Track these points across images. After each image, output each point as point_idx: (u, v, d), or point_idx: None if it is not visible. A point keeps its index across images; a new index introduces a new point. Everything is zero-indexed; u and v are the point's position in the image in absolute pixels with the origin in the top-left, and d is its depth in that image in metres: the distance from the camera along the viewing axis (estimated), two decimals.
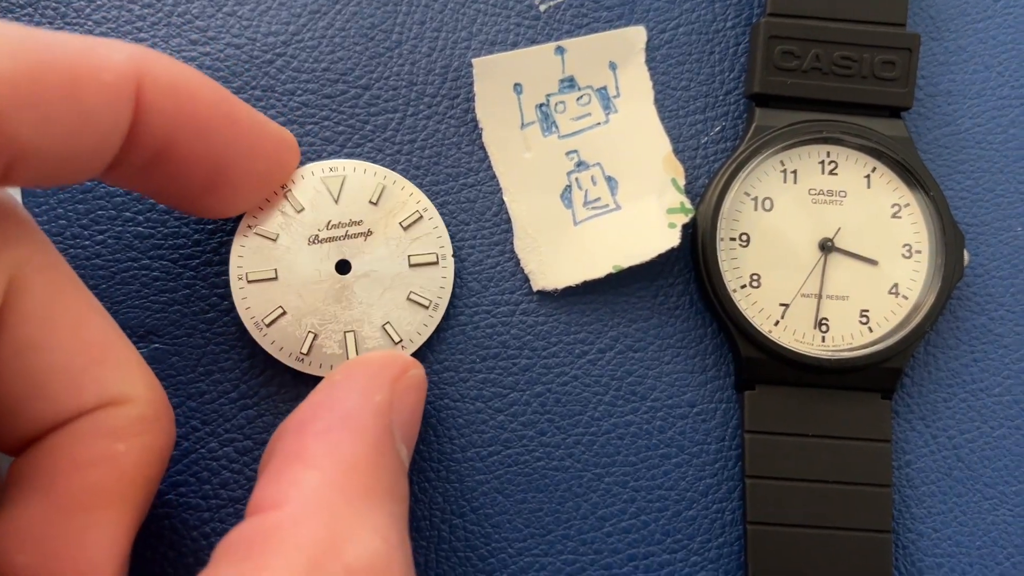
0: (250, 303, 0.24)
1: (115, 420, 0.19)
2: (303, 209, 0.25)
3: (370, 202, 0.25)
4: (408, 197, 0.25)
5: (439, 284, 0.25)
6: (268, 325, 0.24)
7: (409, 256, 0.25)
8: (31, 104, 0.17)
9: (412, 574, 0.18)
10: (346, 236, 0.25)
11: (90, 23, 0.26)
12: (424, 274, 0.25)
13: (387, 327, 0.25)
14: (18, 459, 0.20)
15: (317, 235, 0.25)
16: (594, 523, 0.25)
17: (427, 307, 0.25)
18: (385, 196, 0.25)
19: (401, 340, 0.25)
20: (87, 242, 0.25)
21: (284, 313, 0.24)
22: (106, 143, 0.19)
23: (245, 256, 0.24)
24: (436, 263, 0.25)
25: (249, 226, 0.24)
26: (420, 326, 0.25)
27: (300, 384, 0.25)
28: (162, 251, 0.25)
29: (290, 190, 0.25)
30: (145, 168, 0.21)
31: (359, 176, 0.25)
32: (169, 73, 0.20)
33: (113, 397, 0.20)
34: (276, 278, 0.24)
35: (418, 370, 0.22)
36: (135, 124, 0.19)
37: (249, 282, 0.24)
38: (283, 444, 0.20)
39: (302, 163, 0.25)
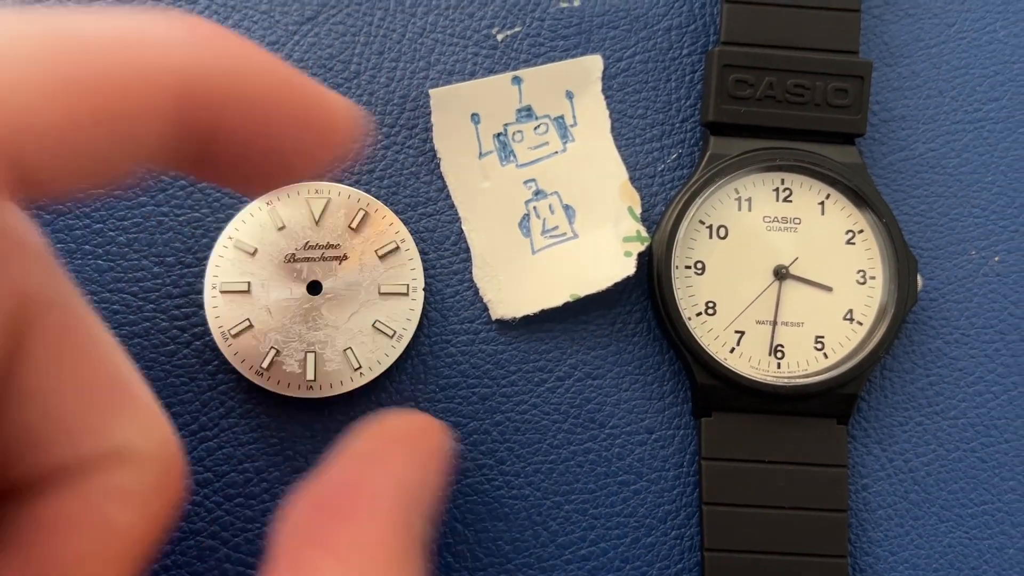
0: (220, 312, 0.25)
1: (118, 480, 0.17)
2: (283, 227, 0.25)
3: (350, 227, 0.25)
4: (388, 227, 0.25)
5: (406, 315, 0.25)
6: (234, 336, 0.25)
7: (380, 285, 0.25)
8: (70, 152, 0.14)
9: None
10: (321, 258, 0.25)
11: None
12: (393, 304, 0.25)
13: (348, 352, 0.25)
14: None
15: (294, 254, 0.25)
16: (554, 551, 0.25)
17: (391, 336, 0.25)
18: (365, 223, 0.25)
19: (360, 367, 0.25)
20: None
21: (251, 326, 0.25)
22: (141, 153, 0.16)
23: (222, 266, 0.25)
24: (406, 294, 0.25)
25: (230, 237, 0.25)
26: (382, 355, 0.25)
27: (260, 415, 0.25)
28: (122, 284, 0.26)
29: (274, 207, 0.25)
30: (192, 163, 0.18)
31: (343, 200, 0.25)
32: (222, 85, 0.16)
33: (119, 452, 0.17)
34: (248, 291, 0.25)
35: (451, 441, 0.21)
36: (180, 133, 0.16)
37: (222, 292, 0.25)
38: (301, 523, 0.18)
39: None
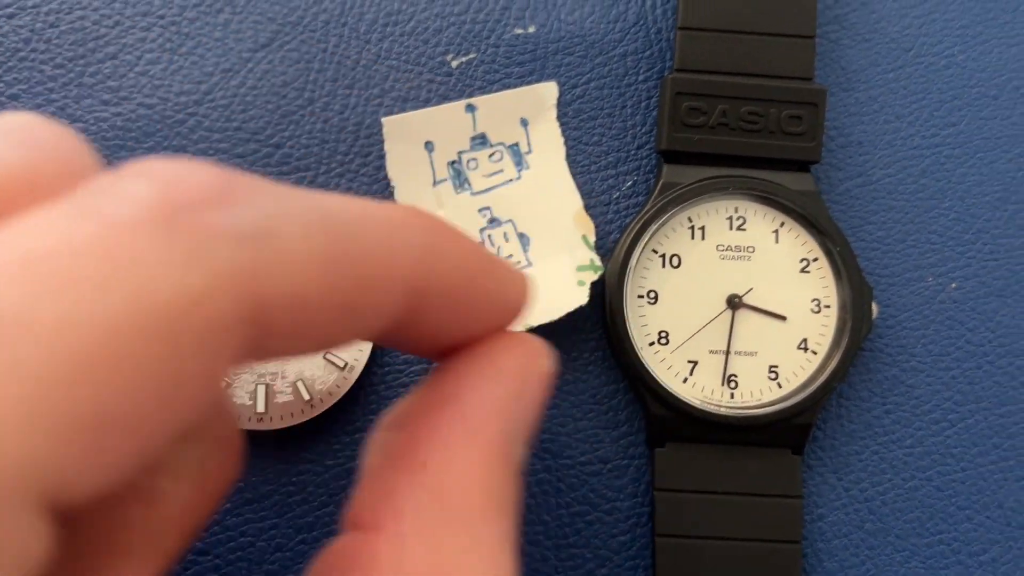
0: None
1: (171, 454, 0.16)
2: None
3: None
4: None
5: (358, 346, 0.25)
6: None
7: None
8: (301, 322, 0.14)
9: None
10: None
11: (2, 84, 0.26)
12: None
13: (299, 384, 0.25)
14: None
15: None
16: None
17: (342, 368, 0.25)
18: None
19: (311, 398, 0.25)
20: None
21: None
22: (357, 337, 0.16)
23: None
24: None
25: None
26: (333, 387, 0.25)
27: None
28: None
29: None
30: (393, 341, 0.18)
31: None
32: (450, 269, 0.16)
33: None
34: None
35: (550, 360, 0.19)
36: (397, 321, 0.16)
37: None
38: (392, 443, 0.17)
39: None
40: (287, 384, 0.25)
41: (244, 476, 0.25)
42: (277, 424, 0.24)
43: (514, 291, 0.19)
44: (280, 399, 0.25)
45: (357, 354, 0.25)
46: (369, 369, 0.25)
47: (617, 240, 0.26)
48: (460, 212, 0.26)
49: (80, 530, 0.16)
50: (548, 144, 0.26)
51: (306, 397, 0.25)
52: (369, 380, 0.26)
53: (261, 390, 0.24)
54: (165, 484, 0.16)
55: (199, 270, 0.12)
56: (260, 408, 0.24)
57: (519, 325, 0.25)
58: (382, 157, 0.26)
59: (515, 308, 0.19)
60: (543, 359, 0.19)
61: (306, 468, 0.25)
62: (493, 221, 0.26)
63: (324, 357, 0.25)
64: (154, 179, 0.13)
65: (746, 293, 0.25)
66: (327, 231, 0.14)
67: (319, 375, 0.25)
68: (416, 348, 0.18)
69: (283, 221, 0.13)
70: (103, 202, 0.12)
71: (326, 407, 0.25)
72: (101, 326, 0.11)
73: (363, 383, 0.25)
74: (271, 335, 0.13)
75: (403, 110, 0.27)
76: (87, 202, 0.12)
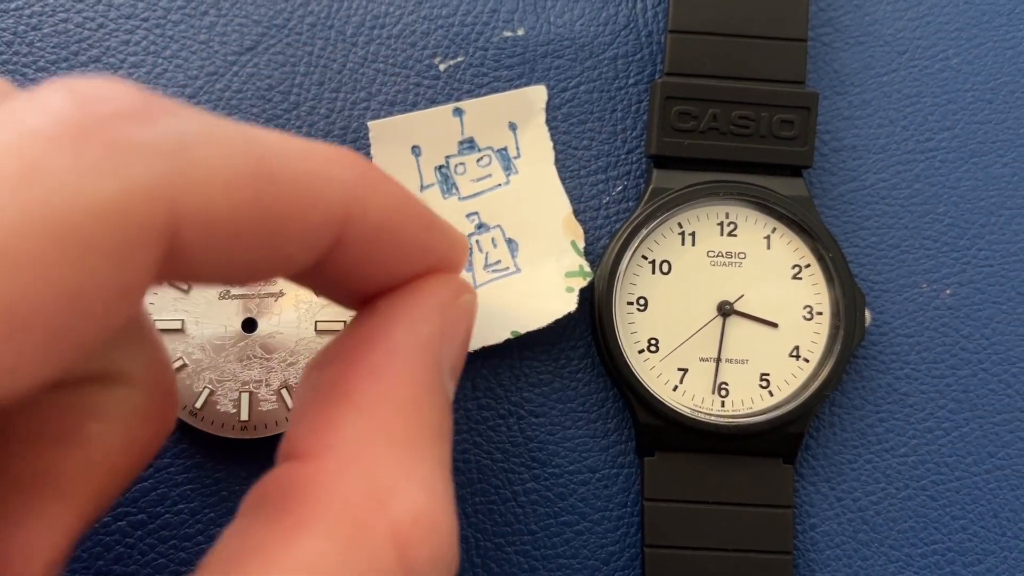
0: None
1: (98, 398, 0.16)
2: None
3: None
4: None
5: None
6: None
7: (316, 322, 0.24)
8: (223, 244, 0.14)
9: (455, 524, 0.16)
10: (258, 295, 0.24)
11: None
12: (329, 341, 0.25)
13: (284, 392, 0.24)
14: None
15: (228, 290, 0.24)
16: None
17: None
18: None
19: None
20: None
21: (184, 365, 0.24)
22: (285, 267, 0.16)
23: (155, 303, 0.24)
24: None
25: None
26: None
27: (195, 455, 0.25)
28: None
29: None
30: (321, 280, 0.18)
31: None
32: (382, 207, 0.17)
33: (104, 372, 0.16)
34: (182, 329, 0.24)
35: (470, 296, 0.20)
36: (327, 256, 0.17)
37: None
38: (320, 380, 0.17)
39: None
40: (271, 392, 0.24)
41: (228, 486, 0.25)
42: (262, 432, 0.24)
43: (449, 248, 0.19)
44: (264, 407, 0.24)
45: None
46: None
47: (606, 246, 0.26)
48: (447, 217, 0.26)
49: (2, 471, 0.15)
50: (537, 148, 0.26)
51: (291, 405, 0.24)
52: None
53: (245, 398, 0.24)
54: (92, 427, 0.16)
55: (111, 180, 0.12)
56: (244, 417, 0.24)
57: (499, 335, 0.25)
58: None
59: (452, 263, 0.20)
60: (466, 296, 0.19)
61: None
62: (481, 226, 0.26)
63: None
64: (74, 93, 0.13)
65: (737, 300, 0.25)
66: (251, 153, 0.14)
67: None
68: (338, 291, 0.19)
69: (204, 139, 0.13)
70: (21, 113, 0.12)
71: None
72: (8, 227, 0.11)
73: None
74: (190, 253, 0.14)
75: (390, 114, 0.26)
76: (5, 113, 0.12)
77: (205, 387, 0.24)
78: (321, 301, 0.25)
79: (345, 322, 0.25)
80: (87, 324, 0.13)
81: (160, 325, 0.24)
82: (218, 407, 0.24)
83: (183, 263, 0.14)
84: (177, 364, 0.24)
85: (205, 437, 0.25)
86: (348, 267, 0.17)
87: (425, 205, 0.19)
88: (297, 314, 0.24)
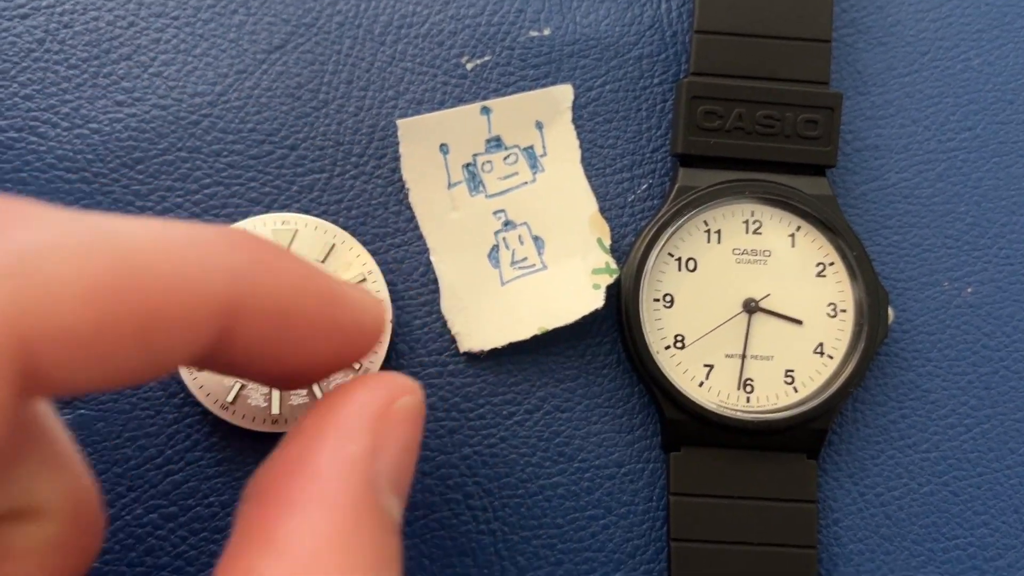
0: None
1: (14, 536, 0.15)
2: None
3: (317, 259, 0.25)
4: (355, 258, 0.25)
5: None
6: (199, 370, 0.24)
7: None
8: (89, 358, 0.13)
9: None
10: None
11: (15, 85, 0.26)
12: None
13: (313, 386, 0.24)
14: None
15: None
16: None
17: (357, 371, 0.25)
18: (333, 255, 0.25)
19: None
20: None
21: None
22: (171, 366, 0.15)
23: None
24: None
25: None
26: None
27: (226, 449, 0.25)
28: None
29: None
30: (215, 367, 0.17)
31: (310, 232, 0.25)
32: (272, 292, 0.16)
33: (20, 508, 0.15)
34: None
35: (411, 397, 0.18)
36: (215, 347, 0.15)
37: None
38: (248, 518, 0.16)
39: (252, 214, 0.25)
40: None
41: None
42: (292, 426, 0.24)
43: (365, 317, 0.18)
44: (295, 401, 0.24)
45: (373, 357, 0.25)
46: (384, 370, 0.25)
47: (632, 243, 0.26)
48: (474, 215, 0.26)
49: None
50: (563, 147, 0.26)
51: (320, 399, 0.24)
52: None
53: (276, 393, 0.24)
54: (5, 567, 0.15)
55: None
56: (275, 410, 0.24)
57: (526, 331, 0.25)
58: (397, 159, 0.26)
59: (367, 335, 0.18)
60: (404, 399, 0.17)
61: None
62: (508, 224, 0.26)
63: None
64: None
65: (762, 297, 0.25)
66: (112, 255, 0.13)
67: (333, 377, 0.25)
68: (247, 374, 0.17)
69: (52, 252, 0.13)
70: None
71: None
72: None
73: None
74: (52, 369, 0.13)
75: (417, 112, 0.26)
76: None
77: (236, 381, 0.24)
78: None
79: None
80: None
81: None
82: (249, 401, 0.24)
83: (49, 381, 0.13)
84: None
85: (236, 431, 0.25)
86: (248, 352, 0.16)
87: (330, 276, 0.17)
88: None
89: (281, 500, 0.16)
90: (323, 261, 0.25)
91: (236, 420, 0.24)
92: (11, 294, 0.12)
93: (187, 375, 0.24)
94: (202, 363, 0.16)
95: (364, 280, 0.25)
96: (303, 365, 0.17)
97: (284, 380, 0.18)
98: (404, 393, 0.18)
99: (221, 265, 0.15)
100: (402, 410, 0.17)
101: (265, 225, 0.25)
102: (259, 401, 0.24)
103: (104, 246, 0.13)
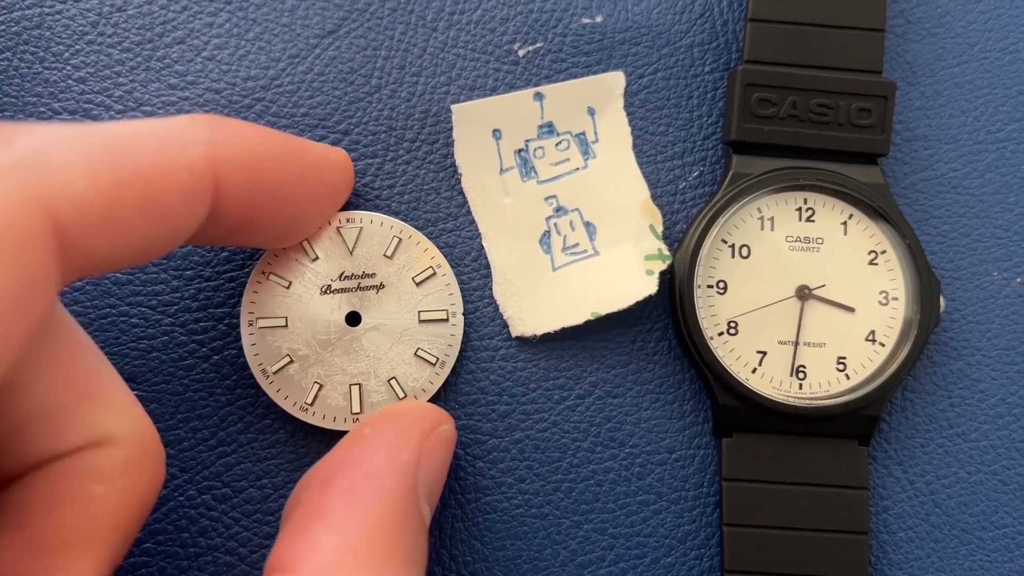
0: (258, 349, 0.24)
1: (96, 461, 0.19)
2: (317, 258, 0.25)
3: (385, 255, 0.25)
4: (423, 253, 0.25)
5: (447, 341, 0.25)
6: (275, 373, 0.24)
7: (419, 312, 0.25)
8: (106, 224, 0.16)
9: None
10: (358, 288, 0.25)
11: (68, 67, 0.26)
12: (433, 330, 0.25)
13: (392, 382, 0.24)
14: None
15: (330, 285, 0.24)
16: (573, 570, 0.25)
17: (434, 364, 0.25)
18: (400, 250, 0.25)
19: (406, 396, 0.24)
20: (65, 289, 0.25)
21: (291, 362, 0.24)
22: (180, 233, 0.19)
23: (257, 301, 0.24)
24: (446, 320, 0.25)
25: (263, 271, 0.24)
26: (426, 383, 0.25)
27: (278, 431, 0.25)
28: (140, 298, 0.25)
29: (306, 239, 0.25)
30: (219, 235, 0.21)
31: (376, 228, 0.25)
32: (244, 152, 0.19)
33: (98, 437, 0.19)
34: (286, 326, 0.24)
35: (449, 426, 0.22)
36: (211, 211, 0.19)
37: (259, 328, 0.24)
38: (306, 499, 0.19)
39: None
40: (380, 383, 0.24)
41: (311, 462, 0.25)
42: None
43: (328, 162, 0.22)
44: (375, 398, 0.24)
45: (448, 350, 0.25)
46: (460, 364, 0.25)
47: (684, 230, 0.26)
48: (526, 200, 0.26)
49: (18, 530, 0.18)
50: (615, 133, 0.27)
51: (400, 395, 0.24)
52: (461, 374, 0.25)
53: (355, 391, 0.24)
54: (96, 488, 0.18)
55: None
56: (355, 408, 0.24)
57: (578, 317, 0.25)
58: (449, 144, 0.26)
59: (336, 178, 0.23)
60: (445, 427, 0.22)
61: None
62: (559, 210, 0.26)
63: (415, 354, 0.25)
64: None
65: (815, 285, 0.25)
66: (103, 143, 0.16)
67: (412, 372, 0.25)
68: (255, 237, 0.21)
69: (57, 144, 0.16)
70: None
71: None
72: None
73: (455, 378, 0.25)
74: (79, 241, 0.16)
75: (470, 98, 0.27)
76: None
77: (314, 382, 0.24)
78: (422, 291, 0.25)
79: (447, 311, 0.25)
80: (9, 319, 0.15)
81: (264, 323, 0.24)
82: (329, 401, 0.24)
83: (80, 253, 0.16)
84: (283, 362, 0.24)
85: (286, 413, 0.25)
86: (238, 212, 0.19)
87: (289, 136, 0.22)
88: (400, 305, 0.25)
89: (343, 489, 0.19)
90: (390, 257, 0.25)
91: (316, 421, 0.24)
92: (34, 179, 0.15)
93: (263, 380, 0.24)
94: (205, 235, 0.20)
95: (433, 274, 0.25)
96: (289, 215, 0.21)
97: (277, 237, 0.22)
98: (443, 422, 0.22)
99: (195, 138, 0.18)
100: (442, 434, 0.21)
101: (330, 224, 0.25)
102: (338, 400, 0.24)
103: (99, 137, 0.17)
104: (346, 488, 0.19)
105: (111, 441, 0.19)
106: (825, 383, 0.25)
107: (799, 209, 0.25)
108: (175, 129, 0.18)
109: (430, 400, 0.25)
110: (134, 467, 0.19)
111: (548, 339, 0.26)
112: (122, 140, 0.17)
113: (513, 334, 0.26)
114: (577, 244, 0.26)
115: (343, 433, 0.25)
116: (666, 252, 0.25)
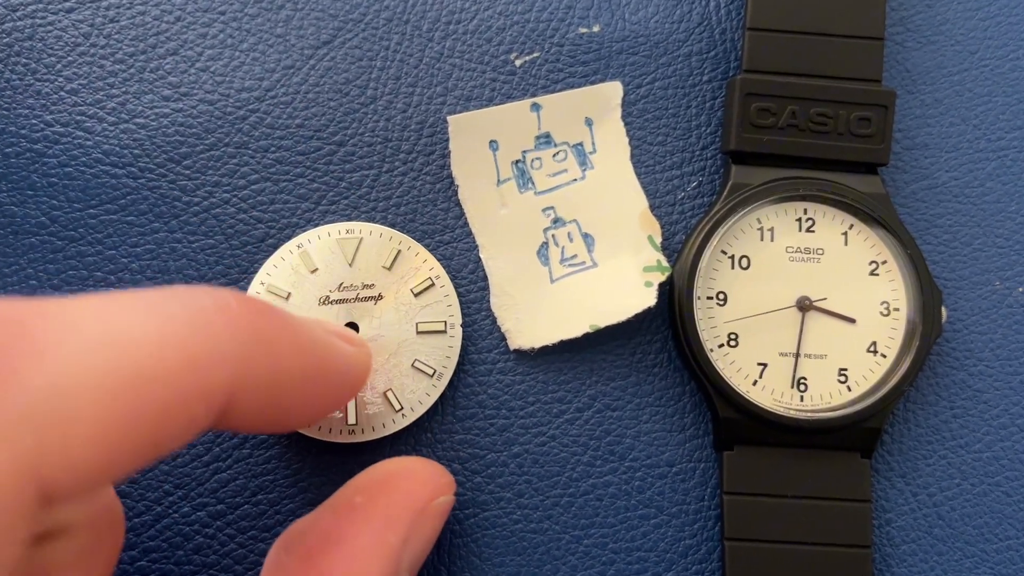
0: None
1: (50, 554, 0.17)
2: (316, 269, 0.24)
3: (383, 267, 0.25)
4: (422, 264, 0.25)
5: (445, 353, 0.25)
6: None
7: (417, 323, 0.24)
8: (99, 477, 0.14)
9: None
10: (356, 299, 0.24)
11: (61, 79, 0.26)
12: (431, 342, 0.25)
13: (389, 394, 0.24)
14: None
15: (328, 296, 0.24)
16: None
17: (431, 375, 0.24)
18: (399, 261, 0.25)
19: (402, 408, 0.24)
20: None
21: None
22: (167, 450, 0.16)
23: None
24: (444, 331, 0.25)
25: (262, 283, 0.24)
26: (423, 395, 0.24)
27: (273, 446, 0.25)
28: None
29: (305, 250, 0.24)
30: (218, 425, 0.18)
31: (375, 240, 0.25)
32: (269, 376, 0.17)
33: (51, 530, 0.17)
34: None
35: (447, 497, 0.21)
36: (213, 422, 0.17)
37: None
38: (285, 568, 0.18)
39: (318, 223, 0.25)
40: (376, 395, 0.24)
41: (308, 477, 0.25)
42: (368, 435, 0.24)
43: (351, 371, 0.20)
44: (371, 410, 0.24)
45: (445, 361, 0.25)
46: (458, 377, 0.25)
47: (683, 241, 0.26)
48: (524, 211, 0.26)
49: None
50: (613, 144, 0.26)
51: (397, 407, 0.24)
52: (459, 388, 0.25)
53: (351, 403, 0.24)
54: (56, 574, 0.17)
55: None
56: (351, 420, 0.24)
57: (577, 329, 0.25)
58: (445, 155, 0.26)
59: (352, 384, 0.20)
60: (441, 499, 0.20)
61: None
62: (557, 221, 0.26)
63: (412, 365, 0.24)
64: None
65: (816, 296, 0.25)
66: (120, 383, 0.14)
67: (408, 384, 0.24)
68: (246, 431, 0.20)
69: (66, 393, 0.13)
70: None
71: (417, 416, 0.24)
72: None
73: (453, 391, 0.25)
74: (66, 500, 0.14)
75: (466, 108, 0.26)
76: None
77: None
78: (420, 302, 0.25)
79: (445, 322, 0.25)
80: None
81: None
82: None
83: (63, 505, 0.14)
84: None
85: (311, 444, 0.24)
86: (243, 417, 0.17)
87: (322, 333, 0.19)
88: (397, 316, 0.24)
89: (322, 567, 0.18)
90: (389, 268, 0.25)
91: (312, 433, 0.24)
92: (28, 445, 0.13)
93: None
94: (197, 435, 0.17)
95: (431, 285, 0.25)
96: (293, 419, 0.19)
97: (275, 430, 0.19)
98: (443, 492, 0.21)
99: (225, 354, 0.15)
100: (438, 507, 0.20)
101: (330, 235, 0.25)
102: (335, 412, 0.24)
103: (113, 370, 0.14)
104: (327, 568, 0.18)
105: (65, 531, 0.17)
106: (827, 395, 0.25)
107: (799, 219, 0.25)
108: (205, 341, 0.15)
109: (427, 411, 0.24)
110: (89, 553, 0.18)
111: (546, 352, 0.26)
112: (145, 362, 0.14)
113: (511, 347, 0.25)
114: (575, 256, 0.26)
115: (338, 445, 0.24)
116: (665, 263, 0.25)
